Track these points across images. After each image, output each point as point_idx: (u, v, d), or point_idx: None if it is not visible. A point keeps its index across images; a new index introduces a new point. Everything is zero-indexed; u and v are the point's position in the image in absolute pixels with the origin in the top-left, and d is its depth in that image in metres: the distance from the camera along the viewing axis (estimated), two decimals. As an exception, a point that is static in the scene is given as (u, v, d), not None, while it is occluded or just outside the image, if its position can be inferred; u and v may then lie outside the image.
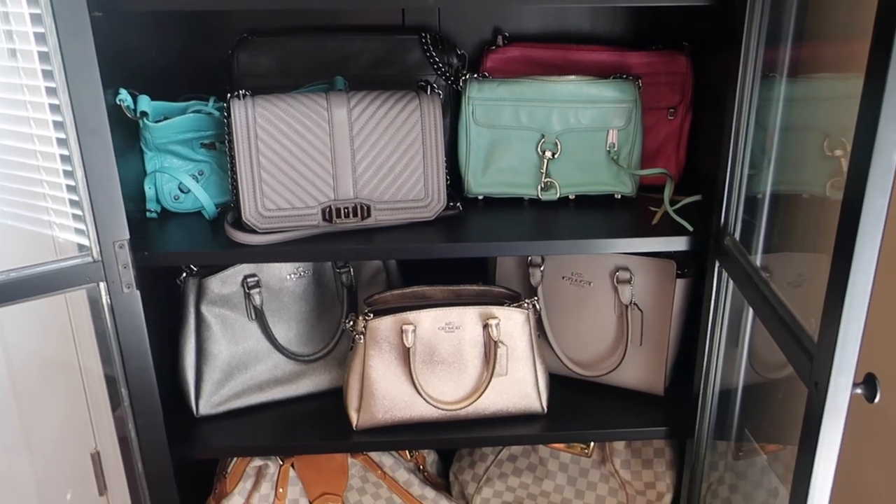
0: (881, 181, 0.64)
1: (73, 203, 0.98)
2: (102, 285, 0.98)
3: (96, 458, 1.47)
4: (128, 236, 0.97)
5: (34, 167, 1.06)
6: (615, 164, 1.16)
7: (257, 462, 1.24)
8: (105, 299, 0.99)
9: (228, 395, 1.19)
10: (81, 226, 0.95)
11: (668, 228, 1.09)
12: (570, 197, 1.18)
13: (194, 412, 1.17)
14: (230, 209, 1.09)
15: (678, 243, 1.07)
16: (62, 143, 0.94)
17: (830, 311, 0.71)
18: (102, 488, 1.50)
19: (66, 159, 0.94)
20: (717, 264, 1.06)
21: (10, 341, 1.41)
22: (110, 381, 1.10)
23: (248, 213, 1.04)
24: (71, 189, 0.96)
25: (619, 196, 1.18)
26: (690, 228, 1.07)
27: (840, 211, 0.70)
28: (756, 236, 1.06)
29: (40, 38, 0.91)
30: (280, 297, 1.19)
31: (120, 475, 1.49)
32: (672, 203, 1.13)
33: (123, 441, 1.11)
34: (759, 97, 0.99)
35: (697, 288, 1.16)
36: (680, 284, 1.16)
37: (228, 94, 1.02)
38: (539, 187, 1.16)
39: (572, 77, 1.14)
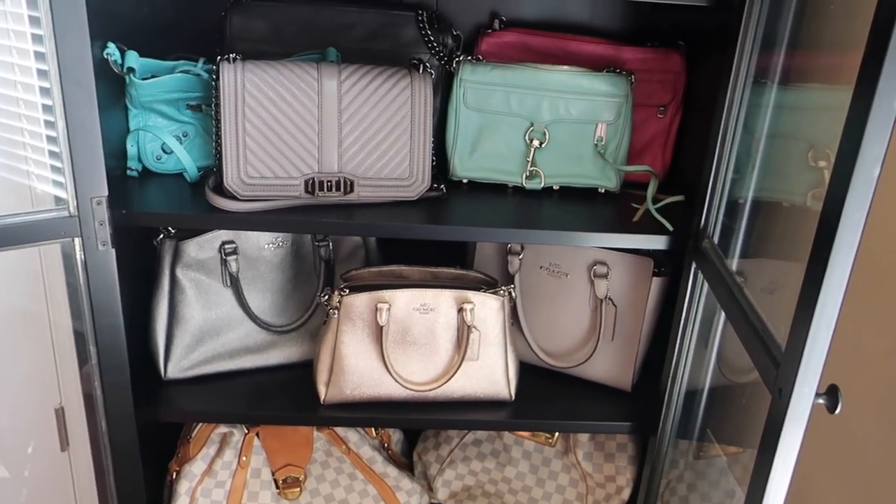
0: (861, 194, 0.65)
1: (52, 154, 0.96)
2: (77, 241, 0.97)
3: (60, 414, 1.46)
4: (106, 193, 0.96)
5: (15, 115, 1.04)
6: (601, 157, 1.16)
7: (222, 429, 1.24)
8: (79, 255, 0.98)
9: (198, 361, 1.18)
10: (60, 178, 0.93)
11: (648, 226, 1.09)
12: (555, 187, 1.18)
13: (162, 375, 1.17)
14: (212, 173, 1.08)
15: (657, 242, 1.08)
16: (45, 92, 0.92)
17: (800, 320, 0.72)
18: (65, 444, 1.49)
19: (48, 109, 0.92)
20: (693, 265, 1.07)
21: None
22: (79, 337, 1.09)
23: (230, 179, 1.03)
24: (52, 140, 0.95)
25: (603, 190, 1.19)
26: (670, 228, 1.08)
27: (818, 221, 0.71)
28: (734, 240, 1.07)
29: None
30: (256, 266, 1.19)
31: (83, 432, 1.48)
32: (655, 201, 1.13)
33: (88, 398, 1.10)
34: (749, 102, 1.00)
35: (673, 287, 1.17)
36: (656, 282, 1.17)
37: (218, 57, 1.01)
38: (524, 175, 1.16)
39: (565, 67, 1.13)
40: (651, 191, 1.14)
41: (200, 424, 1.25)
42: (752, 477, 0.84)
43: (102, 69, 0.96)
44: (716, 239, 1.04)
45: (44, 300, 1.38)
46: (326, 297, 1.12)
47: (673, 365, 1.14)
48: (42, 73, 0.92)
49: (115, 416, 1.09)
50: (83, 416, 1.45)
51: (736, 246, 1.08)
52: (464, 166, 1.17)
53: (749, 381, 1.18)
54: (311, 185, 1.05)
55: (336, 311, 1.11)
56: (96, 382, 1.07)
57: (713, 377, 1.21)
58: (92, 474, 1.43)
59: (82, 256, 0.98)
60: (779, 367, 0.76)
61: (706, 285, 1.08)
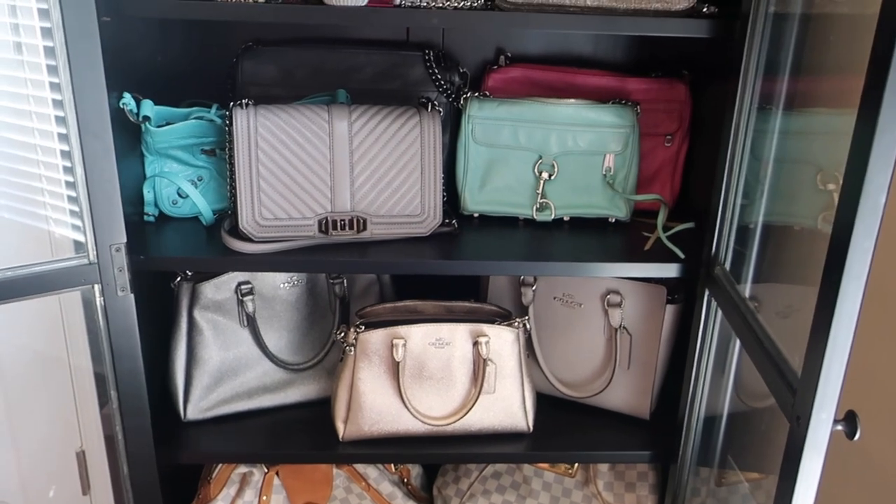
0: (868, 223, 0.66)
1: (71, 200, 0.98)
2: (97, 287, 0.99)
3: (81, 458, 1.47)
4: (125, 240, 0.98)
5: (34, 161, 1.06)
6: (611, 188, 1.17)
7: (242, 469, 1.24)
8: (99, 301, 1.00)
9: (217, 401, 1.19)
10: (78, 222, 0.95)
11: (660, 254, 1.10)
12: (565, 218, 1.19)
13: (182, 416, 1.18)
14: (227, 216, 1.10)
15: (669, 270, 1.09)
16: (63, 138, 0.94)
17: (814, 347, 0.72)
18: (86, 488, 1.50)
19: (66, 155, 0.94)
20: (706, 293, 1.07)
21: (0, 336, 1.41)
22: (99, 381, 1.11)
23: (245, 222, 1.05)
24: (70, 186, 0.97)
25: (614, 220, 1.19)
26: (682, 256, 1.09)
27: (827, 251, 0.71)
28: (746, 266, 1.07)
29: (47, 33, 0.92)
30: (273, 305, 1.20)
31: (104, 475, 1.49)
32: (665, 229, 1.14)
33: (110, 441, 1.11)
34: (755, 128, 1.01)
35: (687, 314, 1.17)
36: (670, 310, 1.17)
37: (231, 102, 1.03)
38: (534, 208, 1.17)
39: (572, 100, 1.15)
40: (661, 219, 1.15)
41: (221, 465, 1.25)
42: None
43: (118, 118, 0.99)
44: (727, 265, 1.05)
45: (64, 345, 1.40)
46: (342, 333, 1.13)
47: (690, 392, 1.14)
48: (60, 120, 0.95)
49: (136, 458, 1.10)
50: (104, 459, 1.46)
51: (748, 271, 1.08)
52: (474, 200, 1.18)
53: (768, 406, 1.17)
54: (324, 225, 1.07)
55: (352, 348, 1.12)
56: (117, 426, 1.08)
57: (731, 403, 1.21)
58: (114, 516, 1.43)
59: (102, 302, 1.00)
60: (795, 395, 0.76)
61: (720, 312, 1.08)
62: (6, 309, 1.38)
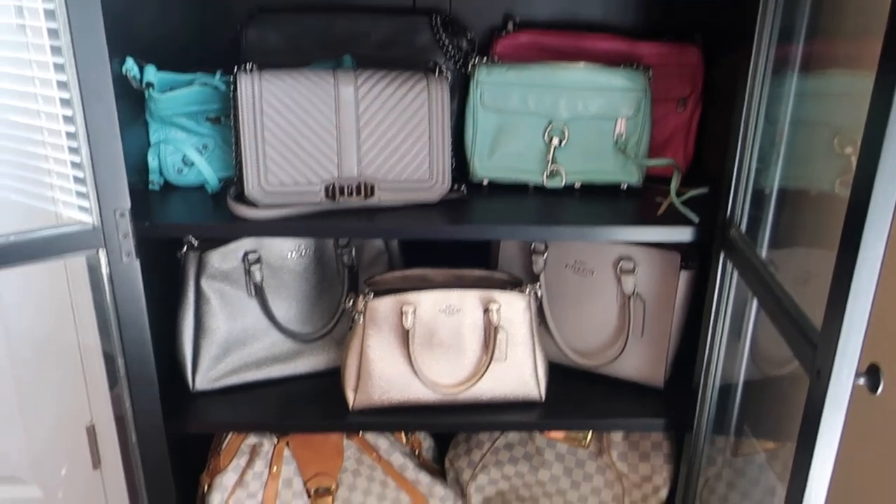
0: (889, 176, 0.64)
1: (74, 165, 0.97)
2: (102, 253, 0.98)
3: (91, 432, 1.47)
4: (129, 205, 0.97)
5: (37, 128, 1.05)
6: (622, 153, 1.15)
7: (252, 440, 1.23)
8: (104, 268, 0.99)
9: (225, 371, 1.18)
10: (82, 188, 0.94)
11: (673, 219, 1.08)
12: (576, 185, 1.17)
13: (190, 387, 1.17)
14: (233, 183, 1.09)
15: (683, 234, 1.07)
16: (66, 103, 0.93)
17: (835, 297, 0.70)
18: (97, 462, 1.49)
19: (69, 120, 0.93)
20: (721, 256, 1.05)
21: (8, 315, 1.41)
22: (107, 353, 1.10)
23: (251, 188, 1.03)
24: (74, 151, 0.96)
25: (625, 186, 1.17)
26: (696, 220, 1.06)
27: (848, 201, 0.69)
28: (762, 230, 1.05)
29: (48, -1, 0.90)
30: (280, 275, 1.19)
31: (114, 450, 1.48)
32: (678, 195, 1.12)
33: (119, 413, 1.10)
34: (770, 91, 0.98)
35: (701, 281, 1.15)
36: (684, 276, 1.15)
37: (235, 68, 1.02)
38: (545, 174, 1.15)
39: (582, 64, 1.13)
40: (675, 184, 1.13)
41: (230, 436, 1.24)
42: (793, 466, 0.82)
43: (122, 84, 0.98)
44: (743, 228, 1.03)
45: (71, 320, 1.40)
46: (351, 301, 1.11)
47: (705, 359, 1.12)
48: (62, 85, 0.93)
49: (145, 429, 1.09)
50: (114, 433, 1.45)
51: (764, 235, 1.06)
52: (484, 167, 1.17)
53: (785, 372, 1.16)
54: (331, 191, 1.06)
55: (361, 316, 1.11)
56: (125, 395, 1.07)
57: (747, 370, 1.19)
58: (125, 490, 1.43)
59: (107, 269, 0.99)
60: (816, 349, 0.74)
61: (735, 276, 1.06)
62: (14, 284, 1.38)
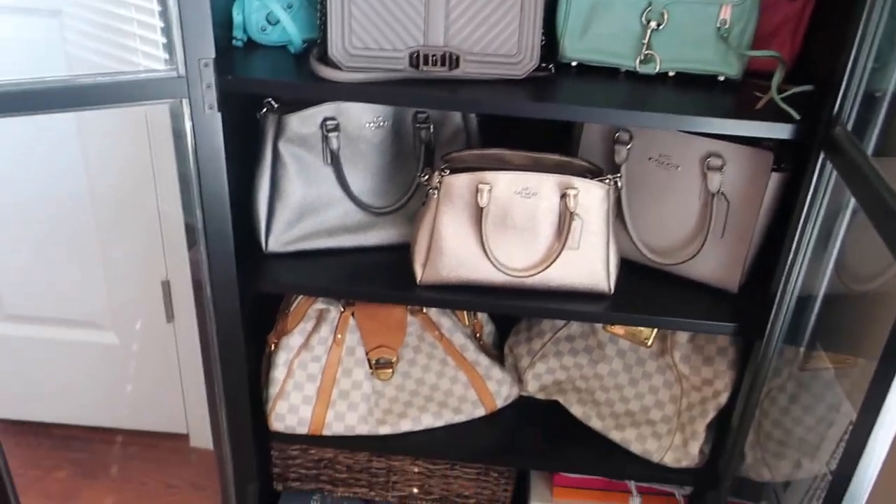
0: None
1: (161, 14, 0.96)
2: (185, 102, 0.98)
3: (166, 287, 1.53)
4: (213, 55, 0.96)
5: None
6: (724, 42, 1.08)
7: (319, 305, 1.26)
8: (187, 120, 0.99)
9: (298, 236, 1.19)
10: (168, 38, 0.94)
11: (771, 115, 1.01)
12: (670, 73, 1.11)
13: (263, 248, 1.19)
14: (316, 45, 1.07)
15: (781, 131, 1.00)
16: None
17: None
18: (170, 316, 1.56)
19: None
20: (821, 157, 0.99)
21: (93, 171, 1.45)
22: (186, 207, 1.12)
23: (335, 49, 1.01)
24: (161, 1, 0.95)
25: (723, 78, 1.10)
26: (797, 117, 1.00)
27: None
28: (869, 134, 0.98)
29: None
30: (357, 145, 1.18)
31: (187, 306, 1.55)
32: (779, 91, 1.05)
33: (195, 267, 1.13)
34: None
35: (792, 186, 1.09)
36: (774, 178, 1.09)
37: (326, -79, 0.98)
38: (638, 59, 1.09)
39: (691, -61, 1.04)
40: (777, 78, 1.05)
41: (298, 299, 1.27)
42: (871, 386, 0.78)
43: (211, -69, 0.95)
44: (849, 127, 0.96)
45: (151, 174, 1.43)
46: (427, 176, 1.10)
47: (787, 266, 1.07)
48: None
49: (219, 284, 1.12)
50: (188, 289, 1.51)
51: (870, 141, 0.99)
52: (574, 47, 1.11)
53: (871, 287, 1.11)
54: (415, 59, 1.02)
55: (436, 192, 1.09)
56: (202, 250, 1.09)
57: (830, 283, 1.14)
58: (196, 345, 1.50)
59: (190, 119, 0.99)
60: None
61: (832, 180, 1.00)
62: (99, 146, 1.41)
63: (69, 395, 1.70)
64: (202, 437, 1.74)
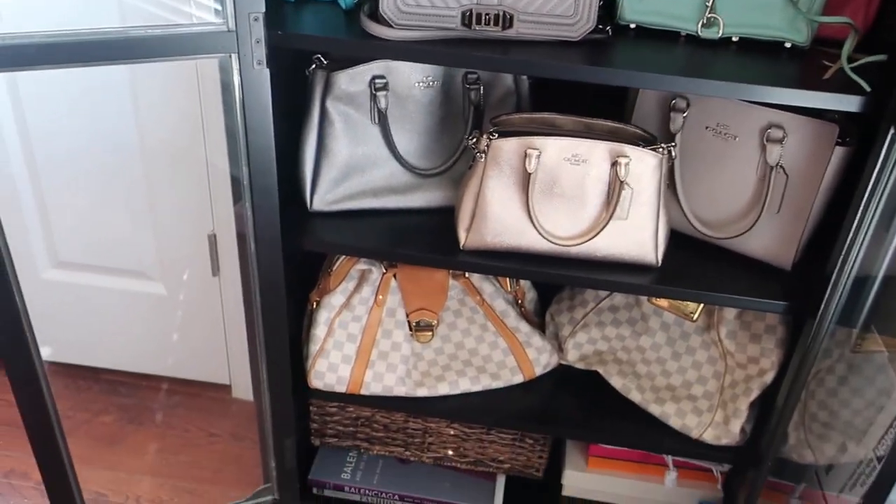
0: None
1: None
2: (234, 58, 0.97)
3: (213, 240, 1.54)
4: (263, 9, 0.95)
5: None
6: (793, 6, 1.02)
7: (362, 265, 1.26)
8: (235, 73, 0.99)
9: (343, 195, 1.19)
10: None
11: (839, 86, 0.96)
12: (734, 38, 1.06)
13: (308, 206, 1.18)
14: (367, 1, 1.04)
15: (850, 103, 0.95)
16: None
17: None
18: (216, 269, 1.58)
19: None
20: (891, 131, 0.94)
21: (144, 123, 1.46)
22: (233, 161, 1.12)
23: (386, 6, 0.99)
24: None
25: (790, 45, 1.05)
26: (868, 88, 0.95)
27: None
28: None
29: None
30: (405, 105, 1.16)
31: (233, 261, 1.56)
32: (850, 61, 0.99)
33: (240, 220, 1.14)
34: None
35: (856, 161, 1.04)
36: (838, 152, 1.05)
37: None
38: (700, 23, 1.05)
39: None
40: (848, 47, 1.00)
41: (341, 259, 1.27)
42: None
43: None
44: (924, 101, 0.91)
45: (200, 127, 1.44)
46: (475, 139, 1.08)
47: (847, 245, 1.03)
48: None
49: (263, 240, 1.12)
50: (234, 245, 1.53)
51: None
52: (633, 9, 1.07)
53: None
54: (468, 17, 1.00)
55: (483, 155, 1.07)
56: (247, 206, 1.10)
57: (890, 264, 1.10)
58: (240, 299, 1.51)
59: (238, 76, 0.99)
60: None
61: (901, 157, 0.95)
62: (150, 100, 1.42)
63: (118, 342, 1.74)
64: (244, 389, 1.77)
